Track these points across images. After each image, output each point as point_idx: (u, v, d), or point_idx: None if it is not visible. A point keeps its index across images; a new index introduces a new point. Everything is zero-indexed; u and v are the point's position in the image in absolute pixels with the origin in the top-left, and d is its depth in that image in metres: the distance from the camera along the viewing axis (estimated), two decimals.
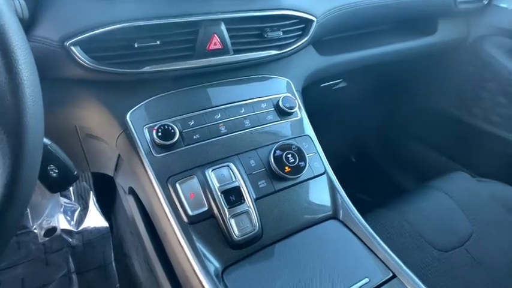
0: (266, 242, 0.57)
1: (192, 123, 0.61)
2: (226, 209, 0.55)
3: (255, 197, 0.58)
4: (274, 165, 0.60)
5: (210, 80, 0.66)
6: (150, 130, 0.58)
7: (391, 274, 0.55)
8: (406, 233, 0.81)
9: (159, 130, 0.57)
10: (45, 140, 0.50)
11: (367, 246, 0.58)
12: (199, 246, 0.53)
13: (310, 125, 0.70)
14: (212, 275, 0.51)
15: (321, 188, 0.64)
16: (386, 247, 0.58)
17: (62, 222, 1.13)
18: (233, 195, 0.56)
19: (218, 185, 0.56)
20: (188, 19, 0.59)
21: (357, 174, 1.49)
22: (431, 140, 1.38)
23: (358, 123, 1.56)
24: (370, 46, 0.94)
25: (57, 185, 0.54)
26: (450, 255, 0.79)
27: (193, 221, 0.54)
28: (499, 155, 1.16)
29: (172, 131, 0.58)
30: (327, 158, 0.68)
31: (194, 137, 0.60)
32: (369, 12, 0.84)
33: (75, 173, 0.55)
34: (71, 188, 1.18)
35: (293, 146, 0.62)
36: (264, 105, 0.67)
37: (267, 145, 0.63)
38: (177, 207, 0.55)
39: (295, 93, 0.73)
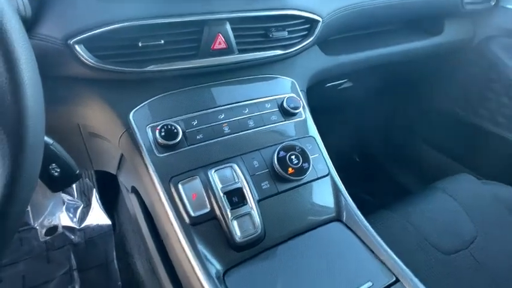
0: (268, 244, 0.56)
1: (195, 123, 0.60)
2: (228, 211, 0.54)
3: (257, 198, 0.57)
4: (277, 166, 0.59)
5: (214, 79, 0.65)
6: (153, 130, 0.58)
7: (394, 278, 0.54)
8: (409, 235, 0.81)
9: (162, 130, 0.57)
10: (47, 139, 0.50)
11: (371, 250, 0.57)
12: (201, 247, 0.53)
13: (315, 126, 0.69)
14: (213, 277, 0.51)
15: (324, 189, 0.63)
16: (389, 250, 0.57)
17: (64, 219, 1.13)
18: (236, 197, 0.56)
19: (221, 186, 0.56)
20: (193, 18, 0.58)
21: (360, 174, 1.49)
22: (436, 141, 1.37)
23: (363, 123, 1.55)
24: (376, 46, 0.93)
25: (59, 184, 0.54)
26: (454, 258, 0.78)
27: (195, 222, 0.54)
28: (504, 156, 1.14)
29: (176, 130, 0.57)
30: (330, 157, 0.67)
31: (197, 137, 0.59)
32: (375, 12, 0.83)
33: (77, 172, 0.55)
34: (73, 185, 1.18)
35: (297, 147, 0.62)
36: (268, 106, 0.67)
37: (271, 146, 0.62)
38: (179, 208, 0.54)
39: (300, 93, 0.72)
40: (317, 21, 0.71)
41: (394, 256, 0.56)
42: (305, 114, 0.69)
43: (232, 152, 0.60)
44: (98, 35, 0.52)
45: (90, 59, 0.54)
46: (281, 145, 0.61)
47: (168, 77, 0.61)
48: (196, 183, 0.56)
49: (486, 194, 0.90)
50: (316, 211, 0.61)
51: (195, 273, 0.51)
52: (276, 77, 0.72)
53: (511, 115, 1.10)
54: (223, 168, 0.58)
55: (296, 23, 0.69)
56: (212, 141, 0.60)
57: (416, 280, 0.54)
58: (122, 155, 0.68)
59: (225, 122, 0.62)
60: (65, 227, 1.12)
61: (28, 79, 0.34)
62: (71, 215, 1.14)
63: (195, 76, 0.64)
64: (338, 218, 0.62)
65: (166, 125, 0.57)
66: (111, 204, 1.16)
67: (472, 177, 0.94)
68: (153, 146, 0.57)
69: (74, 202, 1.15)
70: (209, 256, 0.53)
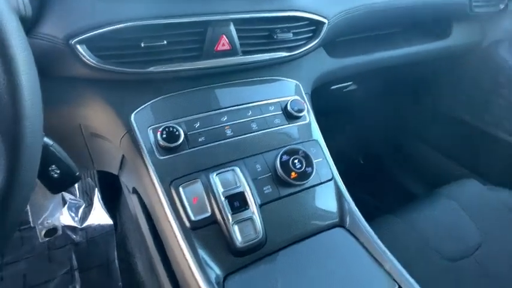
0: (270, 249, 0.55)
1: (197, 125, 0.60)
2: (229, 215, 0.53)
3: (259, 202, 0.57)
4: (280, 170, 0.58)
5: (217, 81, 0.65)
6: (154, 131, 0.57)
7: (397, 286, 0.53)
8: (413, 241, 0.80)
9: (164, 132, 0.56)
10: (47, 140, 0.49)
11: (373, 257, 0.56)
12: (201, 252, 0.52)
13: (319, 129, 0.68)
14: (213, 282, 0.50)
15: (327, 194, 0.62)
16: (392, 258, 0.56)
17: (66, 219, 1.13)
18: (237, 201, 0.55)
19: (222, 189, 0.55)
20: (196, 19, 0.57)
21: (365, 177, 1.47)
22: (442, 145, 1.35)
23: (368, 126, 1.54)
24: (382, 49, 0.92)
25: (59, 185, 0.53)
26: (458, 264, 0.77)
27: (196, 226, 0.53)
28: (510, 162, 1.13)
29: (177, 133, 0.57)
30: (335, 159, 0.66)
31: (199, 139, 0.59)
32: (381, 15, 0.82)
33: (77, 174, 0.54)
34: (76, 185, 1.18)
35: (300, 151, 0.61)
36: (271, 108, 0.66)
37: (274, 149, 0.61)
38: (179, 212, 0.54)
39: (304, 96, 0.71)
40: (323, 23, 0.70)
41: (397, 264, 0.55)
42: (309, 117, 0.68)
43: (234, 155, 0.59)
44: (99, 35, 0.52)
45: (91, 59, 0.53)
46: (284, 149, 0.60)
47: (170, 78, 0.60)
48: (198, 186, 0.55)
49: (492, 200, 0.89)
50: (318, 216, 0.60)
51: (195, 278, 0.51)
52: (280, 79, 0.71)
53: None
54: (225, 171, 0.57)
55: (301, 25, 0.68)
56: (214, 144, 0.59)
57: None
58: (123, 156, 0.68)
59: (228, 125, 0.61)
60: (67, 227, 1.12)
61: (26, 81, 0.33)
62: (73, 215, 1.14)
63: (197, 77, 0.63)
64: (341, 224, 0.61)
65: (168, 127, 0.57)
66: (113, 204, 1.16)
67: (477, 183, 0.93)
68: (154, 148, 0.57)
69: (75, 201, 1.15)
70: (209, 261, 0.52)
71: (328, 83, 0.88)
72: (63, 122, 0.65)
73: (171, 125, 0.57)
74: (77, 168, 0.54)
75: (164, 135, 0.56)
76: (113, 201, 1.14)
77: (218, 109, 0.62)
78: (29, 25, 0.50)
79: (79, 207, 1.16)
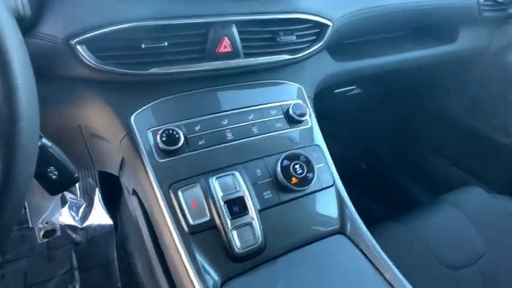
0: (268, 255, 0.54)
1: (197, 128, 0.59)
2: (228, 220, 0.53)
3: (259, 208, 0.56)
4: (280, 175, 0.57)
5: (219, 83, 0.64)
6: (154, 134, 0.57)
7: None
8: (415, 248, 0.78)
9: (164, 135, 0.56)
10: (46, 142, 0.49)
11: (374, 265, 0.55)
12: (199, 257, 0.52)
13: (321, 134, 0.67)
14: None
15: (328, 201, 0.61)
16: (393, 267, 0.55)
17: (67, 218, 1.13)
18: (236, 206, 0.54)
19: (221, 194, 0.54)
20: (198, 20, 0.57)
21: (367, 182, 1.46)
22: (446, 151, 1.34)
23: (371, 130, 1.53)
24: (387, 53, 0.90)
25: (57, 187, 0.53)
26: (461, 273, 0.76)
27: (194, 230, 0.53)
28: None
29: (177, 135, 0.56)
30: (336, 163, 0.65)
31: (199, 142, 0.58)
32: (387, 18, 0.81)
33: (76, 175, 0.54)
34: (76, 184, 1.17)
35: (301, 156, 0.60)
36: (273, 112, 0.65)
37: (274, 154, 0.61)
38: (178, 216, 0.53)
39: (307, 100, 0.70)
40: (327, 26, 0.69)
41: (398, 273, 0.54)
42: (311, 121, 0.67)
43: (234, 159, 0.58)
44: (100, 35, 0.51)
45: (91, 60, 0.53)
46: (285, 154, 0.59)
47: (171, 80, 0.60)
48: (197, 190, 0.55)
49: (496, 208, 0.87)
50: (319, 223, 0.59)
51: (192, 284, 0.50)
52: (283, 83, 0.70)
53: None
54: (224, 175, 0.56)
55: (305, 27, 0.67)
56: (214, 147, 0.58)
57: None
58: (123, 157, 0.67)
59: (228, 128, 0.60)
60: (67, 226, 1.12)
61: (22, 82, 0.33)
62: (73, 214, 1.14)
63: (198, 80, 0.62)
64: (341, 231, 0.60)
65: (168, 129, 0.56)
66: (113, 204, 1.16)
67: (482, 191, 0.92)
68: (153, 150, 0.56)
69: (76, 201, 1.15)
70: (207, 266, 0.51)
71: (331, 87, 0.86)
72: (63, 122, 0.64)
73: (171, 127, 0.57)
74: (75, 169, 0.54)
75: (164, 138, 0.55)
76: (114, 202, 1.14)
77: (219, 112, 0.61)
78: (29, 25, 0.50)
79: (80, 206, 1.16)
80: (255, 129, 0.62)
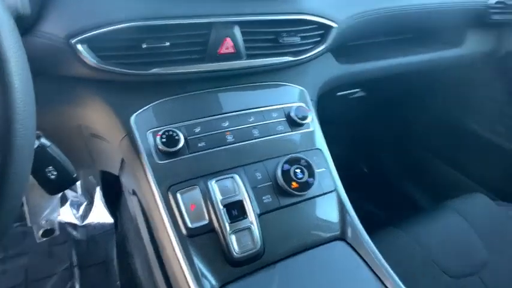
0: (267, 260, 0.54)
1: (198, 130, 0.58)
2: (227, 224, 0.52)
3: (258, 212, 0.55)
4: (281, 180, 0.57)
5: (220, 85, 0.63)
6: (154, 135, 0.56)
7: None
8: (416, 255, 0.77)
9: (163, 136, 0.55)
10: (44, 141, 0.49)
11: (374, 273, 0.54)
12: (197, 261, 0.51)
13: (323, 138, 0.66)
14: None
15: (329, 206, 0.60)
16: (394, 275, 0.54)
17: (67, 215, 1.13)
18: (236, 210, 0.53)
19: (221, 197, 0.54)
20: (200, 20, 0.56)
21: (368, 186, 1.45)
22: (450, 157, 1.32)
23: (373, 134, 1.51)
24: (392, 56, 0.89)
25: (55, 187, 0.53)
26: (462, 282, 0.75)
27: (193, 234, 0.52)
28: None
29: (177, 137, 0.55)
30: (338, 167, 0.64)
31: (199, 144, 0.57)
32: (393, 20, 0.79)
33: (75, 175, 0.53)
34: (77, 182, 1.17)
35: (302, 160, 0.59)
36: (275, 115, 0.64)
37: (275, 157, 0.60)
38: (176, 219, 0.53)
39: (309, 102, 0.70)
40: (331, 27, 0.68)
41: (399, 282, 0.53)
42: (313, 125, 0.66)
43: (234, 162, 0.58)
44: (100, 35, 0.51)
45: (92, 60, 0.52)
46: (286, 157, 0.59)
47: (171, 80, 0.59)
48: (196, 193, 0.54)
49: (501, 216, 0.86)
50: (319, 228, 0.58)
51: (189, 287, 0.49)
52: (285, 85, 0.69)
53: None
54: (224, 178, 0.55)
55: (309, 29, 0.66)
56: (214, 149, 0.58)
57: None
58: (122, 158, 0.67)
59: (229, 130, 0.60)
60: (68, 223, 1.12)
61: (18, 82, 0.33)
62: (74, 211, 1.14)
63: (200, 81, 0.62)
64: (342, 237, 0.59)
65: (168, 130, 0.56)
66: (114, 203, 1.15)
67: (486, 198, 0.90)
68: (153, 152, 0.56)
69: (77, 199, 1.15)
70: (205, 270, 0.51)
71: (334, 89, 0.85)
72: (63, 122, 0.64)
73: (171, 128, 0.56)
74: (74, 170, 0.54)
75: (164, 139, 0.55)
76: (115, 200, 1.13)
77: (220, 114, 0.61)
78: (30, 23, 0.49)
79: (80, 204, 1.16)
80: (255, 132, 0.61)
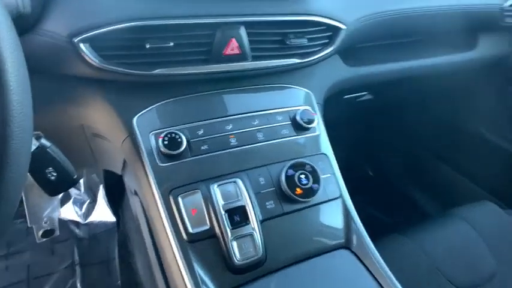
0: (269, 268, 0.52)
1: (201, 132, 0.57)
2: (229, 230, 0.51)
3: (261, 218, 0.54)
4: (285, 185, 0.55)
5: (224, 86, 0.62)
6: (156, 137, 0.55)
7: None
8: (422, 264, 0.76)
9: (166, 138, 0.54)
10: (45, 142, 0.48)
11: (379, 284, 0.53)
12: (197, 267, 0.50)
13: (329, 142, 0.65)
14: None
15: (334, 213, 0.59)
16: (400, 287, 0.53)
17: (70, 213, 1.13)
18: (238, 215, 0.52)
19: (223, 202, 0.52)
20: (205, 21, 0.55)
21: (373, 189, 1.43)
22: (458, 163, 1.29)
23: (379, 137, 1.49)
24: (402, 59, 0.87)
25: (55, 188, 0.52)
26: None
27: (193, 239, 0.51)
28: None
29: (180, 139, 0.54)
30: (343, 170, 0.63)
31: (202, 147, 0.56)
32: (403, 22, 0.77)
33: (75, 177, 0.53)
34: (81, 180, 1.17)
35: (307, 166, 0.58)
36: (279, 118, 0.62)
37: (279, 162, 0.58)
38: (177, 223, 0.51)
39: (316, 106, 0.68)
40: (340, 29, 0.66)
41: None
42: (319, 129, 0.65)
43: (237, 166, 0.56)
44: (103, 34, 0.50)
45: (94, 59, 0.52)
46: (290, 162, 0.57)
47: (175, 81, 0.58)
48: (197, 197, 0.53)
49: (510, 225, 0.83)
50: (323, 236, 0.57)
51: None
52: (291, 87, 0.67)
53: None
54: (226, 183, 0.54)
55: (317, 30, 0.64)
56: (217, 153, 0.57)
57: None
58: (124, 159, 0.66)
59: (232, 133, 0.58)
60: (70, 221, 1.12)
61: (14, 82, 0.32)
62: (77, 209, 1.14)
63: (204, 82, 0.60)
64: (347, 245, 0.57)
65: (170, 133, 0.54)
66: (117, 201, 1.15)
67: (495, 206, 0.88)
68: (155, 154, 0.55)
69: (80, 197, 1.14)
70: (205, 277, 0.50)
71: (340, 92, 0.84)
72: (65, 121, 0.63)
73: (173, 131, 0.55)
74: (75, 171, 0.53)
75: (166, 142, 0.54)
76: (117, 199, 1.13)
77: (223, 116, 0.59)
78: (32, 21, 0.48)
79: (83, 202, 1.16)
80: (260, 136, 0.60)
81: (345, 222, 0.59)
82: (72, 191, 1.14)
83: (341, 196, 0.60)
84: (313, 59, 0.66)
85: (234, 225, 0.51)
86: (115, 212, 1.16)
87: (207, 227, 0.51)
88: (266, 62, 0.62)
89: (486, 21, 0.91)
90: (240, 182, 0.55)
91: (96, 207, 1.17)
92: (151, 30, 0.52)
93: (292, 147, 0.61)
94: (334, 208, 0.59)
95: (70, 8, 0.50)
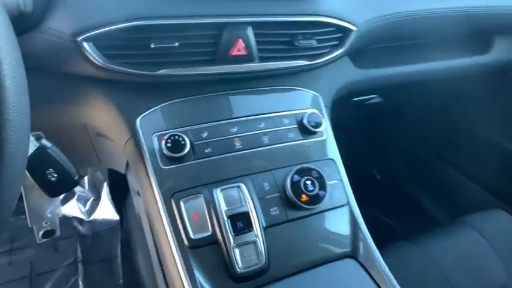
0: (272, 276, 0.51)
1: (205, 134, 0.56)
2: (231, 237, 0.49)
3: (264, 225, 0.52)
4: (290, 191, 0.54)
5: (230, 88, 0.60)
6: (159, 139, 0.54)
7: None
8: (430, 273, 0.74)
9: (169, 141, 0.53)
10: (45, 143, 0.47)
11: None
12: (197, 274, 0.49)
13: (336, 147, 0.63)
14: None
15: (340, 221, 0.57)
16: None
17: (74, 210, 1.13)
18: (241, 222, 0.51)
19: (226, 208, 0.51)
20: (212, 20, 0.53)
21: (380, 194, 1.40)
22: (469, 169, 1.26)
23: (388, 140, 1.46)
24: (413, 61, 0.84)
25: (56, 189, 0.51)
26: None
27: (195, 245, 0.50)
28: None
29: (183, 142, 0.53)
30: (349, 173, 0.61)
31: (206, 150, 0.55)
32: (417, 24, 0.75)
33: (76, 178, 0.52)
34: (85, 177, 1.17)
35: (314, 171, 0.56)
36: (286, 121, 0.61)
37: (285, 167, 0.57)
38: (178, 228, 0.50)
39: (323, 109, 0.66)
40: (350, 31, 0.64)
41: None
42: (326, 133, 0.63)
43: (241, 170, 0.55)
44: (107, 33, 0.49)
45: (98, 58, 0.50)
46: (296, 167, 0.56)
47: (179, 82, 0.57)
48: (199, 202, 0.52)
49: None
50: (328, 245, 0.55)
51: None
52: (298, 90, 0.65)
53: None
54: (229, 187, 0.53)
55: (326, 31, 0.63)
56: (221, 156, 0.55)
57: None
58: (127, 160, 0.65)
59: (237, 136, 0.57)
60: (74, 218, 1.11)
61: (11, 85, 0.30)
62: (81, 206, 1.14)
63: (209, 83, 0.59)
64: (353, 255, 0.56)
65: (174, 135, 0.53)
66: (121, 200, 1.15)
67: (507, 215, 0.85)
68: (158, 156, 0.53)
69: (84, 194, 1.14)
70: (205, 284, 0.49)
71: (349, 94, 0.82)
72: (69, 120, 0.63)
73: (177, 133, 0.54)
74: (76, 172, 0.52)
75: (169, 144, 0.53)
76: (121, 197, 1.13)
77: (228, 119, 0.58)
78: (35, 19, 0.47)
79: (87, 199, 1.16)
80: (265, 139, 0.58)
81: (351, 231, 0.57)
82: (77, 188, 1.13)
83: (348, 203, 0.58)
84: (322, 61, 0.64)
85: (237, 231, 0.50)
86: (119, 210, 1.15)
87: (209, 233, 0.50)
88: (273, 63, 0.60)
89: (503, 22, 0.88)
90: (243, 186, 0.53)
91: (100, 204, 1.17)
92: (156, 30, 0.51)
93: (299, 152, 0.59)
94: (340, 216, 0.57)
95: (74, 7, 0.49)
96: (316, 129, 0.61)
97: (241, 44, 0.56)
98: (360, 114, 1.17)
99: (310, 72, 0.67)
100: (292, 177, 0.54)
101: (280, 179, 0.55)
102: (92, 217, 1.15)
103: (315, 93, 0.67)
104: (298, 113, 0.62)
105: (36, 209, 0.59)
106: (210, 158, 0.55)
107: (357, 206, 0.59)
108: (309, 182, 0.55)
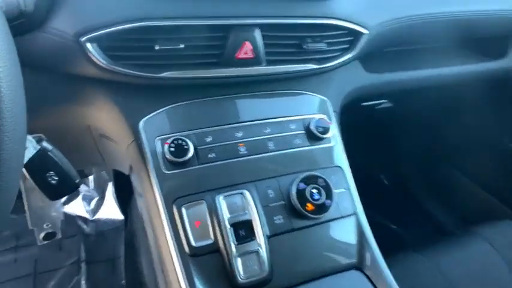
0: (275, 287, 0.50)
1: (209, 139, 0.54)
2: (233, 246, 0.48)
3: (268, 234, 0.51)
4: (295, 200, 0.52)
5: (236, 91, 0.59)
6: (162, 143, 0.53)
7: None
8: (437, 285, 0.72)
9: (172, 145, 0.51)
10: (46, 145, 0.46)
11: None
12: (198, 283, 0.48)
13: (344, 154, 0.61)
14: None
15: (346, 231, 0.55)
16: None
17: (79, 209, 1.12)
18: (243, 230, 0.49)
19: (228, 215, 0.50)
20: (218, 22, 0.52)
21: (389, 200, 1.37)
22: (479, 177, 1.22)
23: (398, 147, 1.43)
24: (426, 66, 0.81)
25: (56, 192, 0.50)
26: None
27: (196, 253, 0.48)
28: None
29: (186, 146, 0.52)
30: (357, 179, 0.59)
31: (210, 155, 0.54)
32: (430, 28, 0.73)
33: (77, 181, 0.51)
34: (90, 176, 1.17)
35: (320, 180, 0.54)
36: (293, 127, 0.59)
37: (290, 174, 0.55)
38: (179, 235, 0.49)
39: (332, 114, 0.64)
40: (361, 34, 0.62)
41: None
42: (334, 139, 0.61)
43: (245, 176, 0.54)
44: (111, 33, 0.48)
45: (101, 59, 0.50)
46: (302, 175, 0.54)
47: (184, 85, 0.56)
48: (202, 208, 0.50)
49: None
50: (334, 255, 0.53)
51: None
52: (306, 94, 0.64)
53: None
54: (233, 194, 0.51)
55: (337, 34, 0.61)
56: (225, 161, 0.54)
57: None
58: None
59: (242, 142, 0.55)
60: (78, 217, 1.11)
61: (6, 89, 0.29)
62: (85, 205, 1.14)
63: (214, 87, 0.58)
64: (359, 266, 0.54)
65: (177, 139, 0.52)
66: (126, 200, 1.14)
67: None
68: (160, 161, 0.52)
69: (89, 193, 1.14)
70: None
71: (359, 99, 0.79)
72: (72, 121, 0.62)
73: (180, 137, 0.52)
74: (77, 175, 0.51)
75: (172, 148, 0.51)
76: (126, 197, 1.12)
77: (233, 123, 0.56)
78: (37, 19, 0.47)
79: (92, 198, 1.16)
80: (271, 145, 0.57)
81: (358, 241, 0.55)
82: (82, 187, 1.13)
83: (355, 213, 0.56)
84: (332, 65, 0.63)
85: (240, 240, 0.49)
86: (123, 210, 1.15)
87: (211, 241, 0.49)
88: (281, 67, 0.59)
89: None
90: (247, 193, 0.52)
91: (104, 203, 1.16)
92: (161, 31, 0.50)
93: (305, 159, 0.57)
94: (347, 226, 0.56)
95: (77, 6, 0.48)
96: (324, 136, 0.59)
97: (248, 46, 0.55)
98: (369, 119, 1.14)
99: (319, 77, 0.65)
100: (297, 185, 0.53)
101: (285, 186, 0.54)
102: (96, 216, 1.15)
103: (323, 97, 0.65)
104: (306, 118, 0.60)
105: (37, 212, 0.58)
106: (214, 164, 0.53)
107: (364, 216, 0.57)
108: (315, 191, 0.53)
